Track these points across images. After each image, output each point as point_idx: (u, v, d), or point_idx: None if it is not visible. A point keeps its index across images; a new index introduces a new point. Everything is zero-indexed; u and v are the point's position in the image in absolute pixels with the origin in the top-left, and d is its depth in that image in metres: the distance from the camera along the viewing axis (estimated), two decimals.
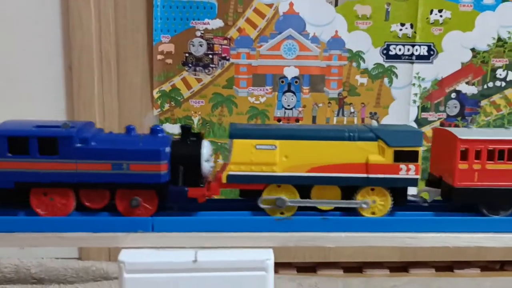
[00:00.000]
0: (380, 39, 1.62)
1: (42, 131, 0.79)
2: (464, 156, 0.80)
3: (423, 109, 1.70)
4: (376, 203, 0.81)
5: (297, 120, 1.67)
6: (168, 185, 0.81)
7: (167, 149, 0.81)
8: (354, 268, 1.68)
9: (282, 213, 0.82)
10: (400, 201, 0.82)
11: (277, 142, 0.80)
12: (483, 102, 1.71)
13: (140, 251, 0.80)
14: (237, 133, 0.82)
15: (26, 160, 0.79)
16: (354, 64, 1.64)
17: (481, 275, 1.69)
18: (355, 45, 1.61)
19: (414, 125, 1.69)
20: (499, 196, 0.81)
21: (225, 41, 1.60)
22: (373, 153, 0.80)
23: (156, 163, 0.80)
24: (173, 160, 0.81)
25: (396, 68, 1.65)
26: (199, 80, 1.61)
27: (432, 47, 1.64)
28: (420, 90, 1.68)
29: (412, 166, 0.80)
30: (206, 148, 0.82)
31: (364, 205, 0.81)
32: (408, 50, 1.63)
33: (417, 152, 0.80)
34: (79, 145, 0.79)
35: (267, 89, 1.65)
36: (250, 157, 0.81)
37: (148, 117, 1.62)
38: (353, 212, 0.83)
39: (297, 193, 0.82)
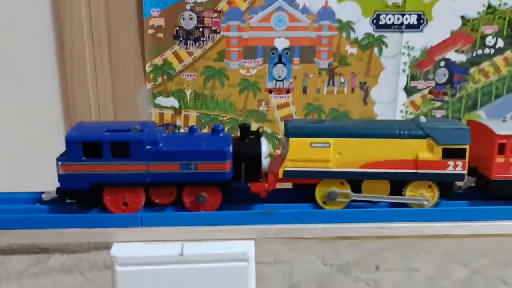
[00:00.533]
0: (370, 9, 1.71)
1: (115, 135, 0.88)
2: (501, 150, 0.90)
3: (412, 77, 1.80)
4: (423, 195, 0.92)
5: (288, 91, 1.76)
6: (231, 182, 0.91)
7: (231, 149, 0.90)
8: None
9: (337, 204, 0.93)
10: (447, 194, 0.93)
11: (331, 140, 0.90)
12: (472, 70, 1.81)
13: (131, 245, 0.90)
14: (293, 131, 0.91)
15: (100, 163, 0.88)
16: (344, 34, 1.72)
17: (468, 236, 1.86)
18: (345, 15, 1.70)
19: (403, 94, 1.80)
20: None
21: (215, 14, 1.67)
22: (422, 150, 0.89)
23: (221, 162, 0.89)
24: (235, 158, 0.90)
25: (386, 38, 1.74)
26: (190, 54, 1.68)
27: (421, 16, 1.73)
28: (409, 59, 1.78)
29: (459, 163, 0.89)
30: (265, 145, 0.91)
31: (425, 202, 0.92)
32: (398, 19, 1.72)
33: (465, 149, 0.89)
34: (149, 147, 0.88)
35: (258, 61, 1.73)
36: (305, 155, 0.90)
37: (142, 91, 1.70)
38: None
39: (349, 187, 0.92)
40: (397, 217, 0.93)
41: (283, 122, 0.97)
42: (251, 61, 1.75)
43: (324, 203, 0.94)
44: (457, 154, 0.90)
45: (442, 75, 1.83)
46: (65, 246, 1.69)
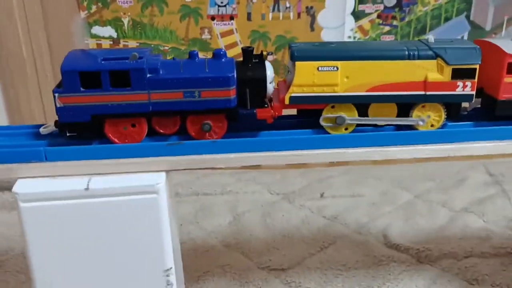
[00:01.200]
0: None
1: (113, 64, 0.82)
2: (510, 70, 0.87)
3: (360, 1, 1.72)
4: (430, 118, 0.89)
5: (231, 17, 1.67)
6: (237, 109, 0.87)
7: (235, 74, 0.85)
8: None
9: (346, 129, 0.90)
10: (454, 115, 0.91)
11: (339, 64, 0.86)
12: None
13: (35, 181, 0.84)
14: (300, 55, 0.86)
15: (99, 93, 0.83)
16: None
17: (417, 161, 1.87)
18: None
19: (351, 18, 1.73)
20: None
21: None
22: (432, 71, 0.86)
23: (226, 89, 0.85)
24: (239, 84, 0.86)
25: None
26: None
27: None
28: None
29: (468, 83, 0.86)
30: (269, 70, 0.87)
31: (420, 122, 0.89)
32: None
33: (475, 69, 0.86)
34: (150, 75, 0.83)
35: None
36: (312, 79, 0.86)
37: (76, 21, 1.60)
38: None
39: (356, 112, 0.89)
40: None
41: (288, 45, 0.91)
42: None
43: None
44: (467, 74, 0.87)
45: None
46: None
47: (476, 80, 0.87)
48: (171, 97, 0.86)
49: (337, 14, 1.74)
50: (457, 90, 0.88)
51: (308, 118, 0.93)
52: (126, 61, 0.84)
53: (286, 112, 0.92)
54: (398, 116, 0.91)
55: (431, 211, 1.62)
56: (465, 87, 0.88)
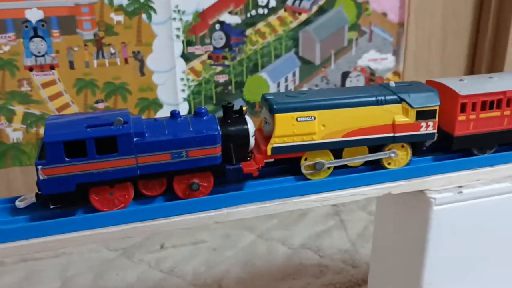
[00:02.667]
0: None
1: (99, 131, 0.78)
2: (463, 109, 0.94)
3: (188, 43, 1.71)
4: (398, 157, 0.94)
5: (52, 67, 1.59)
6: (223, 165, 0.86)
7: (220, 132, 0.84)
8: None
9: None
10: (418, 152, 0.96)
11: (315, 113, 0.87)
12: (248, 31, 1.76)
13: None
14: (279, 107, 0.87)
15: (85, 162, 0.79)
16: (106, 1, 1.57)
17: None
18: None
19: (182, 61, 1.72)
20: (487, 139, 0.97)
21: None
22: (398, 114, 0.90)
23: (213, 147, 0.83)
24: (223, 140, 0.85)
25: (153, 3, 1.62)
26: None
27: None
28: (182, 24, 1.67)
29: (431, 123, 0.92)
30: (250, 123, 0.87)
31: (392, 154, 0.93)
32: None
33: (435, 110, 0.91)
34: (136, 139, 0.80)
35: (9, 36, 1.54)
36: (292, 129, 0.87)
37: None
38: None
39: (332, 156, 0.91)
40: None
41: (262, 97, 0.91)
42: (1, 37, 1.54)
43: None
44: (429, 115, 0.92)
45: (219, 38, 1.76)
46: None
47: (437, 119, 0.93)
48: (159, 159, 0.83)
49: (166, 58, 1.71)
50: (421, 130, 0.93)
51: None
52: (112, 127, 0.80)
53: None
54: None
55: (271, 250, 1.59)
56: (428, 127, 0.93)
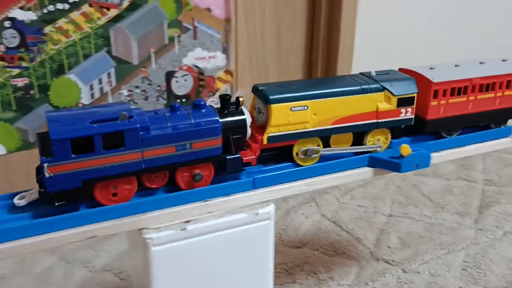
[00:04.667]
0: None
1: (106, 127, 0.74)
2: (435, 95, 0.97)
3: None
4: (380, 141, 0.96)
5: None
6: (224, 156, 0.84)
7: (221, 123, 0.83)
8: None
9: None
10: (396, 136, 0.99)
11: (308, 103, 0.88)
12: (48, 29, 1.52)
13: None
14: (274, 98, 0.86)
15: (91, 158, 0.75)
16: None
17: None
18: None
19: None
20: (454, 122, 1.01)
21: None
22: (381, 102, 0.92)
23: (215, 138, 0.82)
24: (223, 131, 0.83)
25: None
26: None
27: None
28: None
29: (409, 109, 0.95)
30: (247, 114, 0.86)
31: (378, 148, 0.95)
32: None
33: (414, 97, 0.94)
34: (142, 133, 0.77)
35: None
36: (287, 119, 0.87)
37: None
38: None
39: (321, 143, 0.92)
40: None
41: (254, 88, 0.89)
42: None
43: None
44: (408, 102, 0.95)
45: (11, 37, 1.48)
46: None
47: (414, 106, 0.96)
48: (164, 152, 0.80)
49: None
50: (401, 115, 0.96)
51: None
52: (118, 122, 0.76)
53: None
54: (353, 143, 0.96)
55: (71, 273, 1.37)
56: (407, 113, 0.96)
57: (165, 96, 1.79)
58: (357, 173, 0.95)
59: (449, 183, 1.88)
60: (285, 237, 1.53)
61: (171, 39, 1.74)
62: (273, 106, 0.87)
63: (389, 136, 0.97)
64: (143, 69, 1.72)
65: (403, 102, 0.94)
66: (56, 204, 0.76)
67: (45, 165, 0.73)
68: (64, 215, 0.77)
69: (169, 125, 0.80)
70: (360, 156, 0.95)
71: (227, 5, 1.78)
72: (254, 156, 0.87)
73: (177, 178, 0.84)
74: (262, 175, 0.89)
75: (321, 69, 2.06)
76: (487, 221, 1.61)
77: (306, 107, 0.88)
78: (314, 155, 0.91)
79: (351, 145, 0.96)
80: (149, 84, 1.75)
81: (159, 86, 1.77)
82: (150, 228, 0.82)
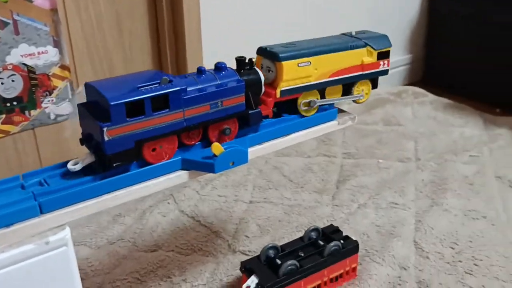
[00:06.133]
0: None
1: (155, 90, 0.80)
2: None
3: None
4: (363, 91, 1.07)
5: None
6: (247, 111, 0.92)
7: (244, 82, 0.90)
8: None
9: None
10: (374, 86, 1.10)
11: (311, 59, 0.97)
12: None
13: None
14: (284, 56, 0.94)
15: (142, 120, 0.80)
16: None
17: None
18: None
19: None
20: None
21: None
22: (365, 56, 1.04)
23: (240, 95, 0.89)
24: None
25: None
26: None
27: None
28: None
29: (385, 61, 1.06)
30: (261, 73, 0.94)
31: (361, 97, 1.07)
32: None
33: (389, 51, 1.06)
34: (183, 94, 0.83)
35: None
36: (295, 73, 0.96)
37: None
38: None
39: (319, 95, 1.02)
40: None
41: (261, 49, 0.97)
42: None
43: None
44: (386, 55, 1.07)
45: None
46: None
47: (390, 58, 1.08)
48: (201, 110, 0.87)
49: None
50: (380, 67, 1.08)
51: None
52: (163, 85, 0.82)
53: None
54: (342, 93, 1.07)
55: None
56: (384, 65, 1.08)
57: None
58: (171, 178, 0.88)
59: (310, 160, 1.85)
60: (139, 242, 1.43)
61: None
62: (284, 63, 0.95)
63: (370, 86, 1.09)
64: None
65: (382, 55, 1.06)
66: (114, 165, 0.80)
67: (105, 129, 0.77)
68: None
69: (201, 86, 0.87)
70: (173, 160, 0.88)
71: None
72: (271, 109, 0.96)
73: (209, 134, 0.90)
74: (49, 197, 0.77)
75: (170, 56, 1.90)
76: (343, 196, 1.62)
77: (309, 63, 0.98)
78: (316, 105, 1.01)
79: (342, 95, 1.06)
80: None
81: None
82: None
